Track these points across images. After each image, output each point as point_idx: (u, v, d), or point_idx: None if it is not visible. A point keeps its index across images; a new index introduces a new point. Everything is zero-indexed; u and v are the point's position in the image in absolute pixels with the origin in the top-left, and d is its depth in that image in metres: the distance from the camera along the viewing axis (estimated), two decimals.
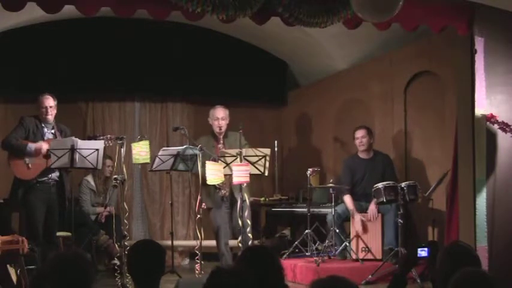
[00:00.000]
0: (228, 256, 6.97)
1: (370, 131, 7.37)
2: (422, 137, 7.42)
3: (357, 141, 7.31)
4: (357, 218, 7.07)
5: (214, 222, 7.01)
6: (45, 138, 6.59)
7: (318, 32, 7.11)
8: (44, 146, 6.46)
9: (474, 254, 3.35)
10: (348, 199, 7.21)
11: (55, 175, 6.61)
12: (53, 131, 6.69)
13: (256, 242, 7.21)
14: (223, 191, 6.88)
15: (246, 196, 6.54)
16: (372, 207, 7.02)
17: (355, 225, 7.07)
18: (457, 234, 6.32)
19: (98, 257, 7.78)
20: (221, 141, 7.06)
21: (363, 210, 7.16)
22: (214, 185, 6.70)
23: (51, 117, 6.63)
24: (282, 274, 3.21)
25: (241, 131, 6.63)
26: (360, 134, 7.30)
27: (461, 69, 6.33)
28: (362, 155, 7.36)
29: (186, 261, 8.63)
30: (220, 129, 6.99)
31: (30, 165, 6.46)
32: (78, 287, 2.97)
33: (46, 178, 6.56)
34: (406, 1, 5.35)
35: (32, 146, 6.44)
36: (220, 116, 7.01)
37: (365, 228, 7.04)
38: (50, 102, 6.61)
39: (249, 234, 6.56)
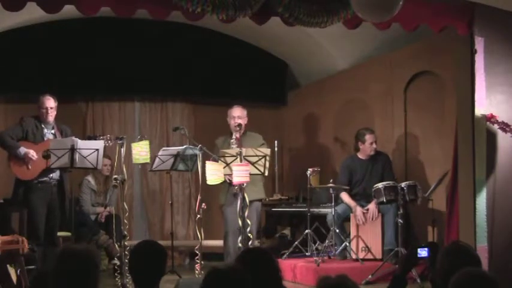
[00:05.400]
0: (235, 256, 6.93)
1: None
2: (422, 137, 7.42)
3: (369, 146, 7.20)
4: (358, 211, 7.04)
5: (225, 221, 7.04)
6: (45, 138, 6.59)
7: (318, 32, 7.11)
8: (33, 154, 6.43)
9: (474, 254, 3.35)
10: (345, 196, 7.20)
11: (56, 175, 6.61)
12: (53, 131, 6.69)
13: (256, 242, 7.20)
14: (237, 187, 6.85)
15: (246, 196, 6.54)
16: (372, 207, 7.01)
17: (357, 218, 7.03)
18: (457, 234, 6.32)
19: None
20: (235, 139, 7.05)
21: None
22: (228, 181, 6.68)
23: (51, 118, 6.64)
24: (280, 276, 3.20)
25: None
26: (372, 138, 7.22)
27: (461, 69, 6.33)
28: (362, 156, 7.35)
29: (186, 261, 8.63)
30: (236, 127, 7.03)
31: (29, 165, 6.46)
32: (84, 279, 2.99)
33: (47, 178, 6.56)
34: (406, 1, 5.34)
35: (22, 150, 6.42)
36: (236, 115, 7.10)
37: (366, 224, 7.01)
38: (50, 103, 6.61)
39: (249, 234, 6.56)
